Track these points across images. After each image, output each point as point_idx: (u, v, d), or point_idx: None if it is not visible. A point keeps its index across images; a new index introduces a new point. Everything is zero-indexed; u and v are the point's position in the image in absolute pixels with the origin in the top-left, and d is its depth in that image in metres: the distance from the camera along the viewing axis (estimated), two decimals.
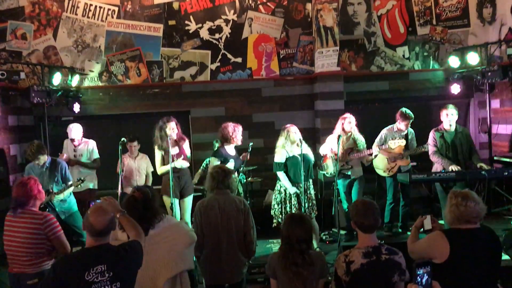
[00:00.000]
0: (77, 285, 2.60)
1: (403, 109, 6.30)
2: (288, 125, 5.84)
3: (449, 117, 5.93)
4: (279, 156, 5.77)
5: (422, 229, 3.44)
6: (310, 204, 5.76)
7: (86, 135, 7.66)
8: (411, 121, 6.28)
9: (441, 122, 6.08)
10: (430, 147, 6.05)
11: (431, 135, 6.09)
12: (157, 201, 3.54)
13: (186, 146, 6.13)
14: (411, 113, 6.26)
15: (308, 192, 5.75)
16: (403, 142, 6.13)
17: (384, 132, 6.50)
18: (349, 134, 6.22)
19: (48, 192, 5.31)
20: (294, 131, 5.74)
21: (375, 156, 6.37)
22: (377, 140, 6.52)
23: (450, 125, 5.96)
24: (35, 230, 3.66)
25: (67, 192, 5.46)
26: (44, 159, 5.41)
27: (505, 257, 4.71)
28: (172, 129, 5.87)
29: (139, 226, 3.03)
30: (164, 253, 3.19)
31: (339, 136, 5.87)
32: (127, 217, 3.04)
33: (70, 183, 5.46)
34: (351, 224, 3.14)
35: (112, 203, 3.03)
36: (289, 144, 5.73)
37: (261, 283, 4.95)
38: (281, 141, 5.80)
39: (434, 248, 3.08)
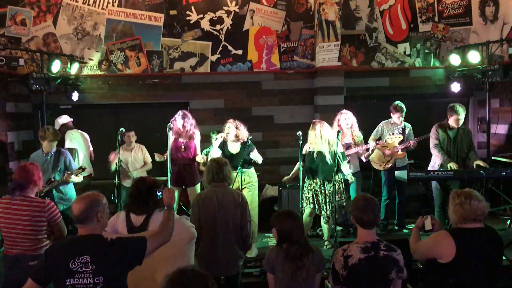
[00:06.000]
0: (63, 272, 2.60)
1: (396, 102, 6.45)
2: (317, 121, 5.88)
3: (458, 122, 5.97)
4: (303, 149, 5.83)
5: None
6: (325, 201, 5.76)
7: (85, 124, 7.65)
8: (403, 113, 6.39)
9: (445, 118, 6.11)
10: (432, 139, 6.14)
11: (434, 129, 6.15)
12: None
13: (196, 140, 6.27)
14: (402, 105, 6.38)
15: (323, 189, 5.75)
16: (400, 138, 6.20)
17: (381, 125, 6.60)
18: (348, 129, 6.28)
19: (49, 181, 5.31)
20: (318, 130, 5.74)
21: (372, 151, 6.38)
22: (373, 133, 6.61)
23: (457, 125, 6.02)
24: (37, 218, 3.75)
25: (74, 178, 5.44)
26: (53, 147, 5.46)
27: None
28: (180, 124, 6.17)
29: (169, 229, 2.99)
30: (163, 249, 3.12)
31: (338, 132, 5.87)
32: (169, 213, 3.06)
33: (72, 171, 5.46)
34: (351, 219, 3.15)
35: (168, 195, 3.13)
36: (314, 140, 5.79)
37: (257, 276, 4.94)
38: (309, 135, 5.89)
39: (440, 248, 3.08)
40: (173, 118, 6.20)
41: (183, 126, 6.14)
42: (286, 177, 6.16)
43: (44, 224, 3.79)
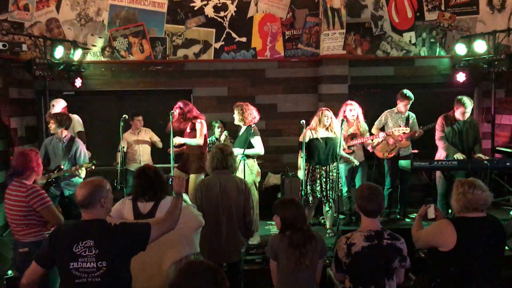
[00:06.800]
0: (66, 256, 2.62)
1: (403, 90, 6.37)
2: (323, 108, 5.89)
3: (465, 115, 5.92)
4: (302, 136, 5.77)
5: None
6: (330, 187, 5.78)
7: (87, 110, 7.63)
8: (410, 102, 6.32)
9: (451, 109, 6.06)
10: (438, 132, 6.09)
11: (440, 121, 6.09)
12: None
13: (197, 127, 6.03)
14: (410, 93, 6.31)
15: (330, 174, 5.79)
16: (407, 130, 6.14)
17: (384, 114, 6.55)
18: (353, 120, 6.25)
19: (59, 168, 5.29)
20: (326, 115, 5.77)
21: (378, 143, 6.36)
22: (376, 122, 6.58)
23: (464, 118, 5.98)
24: (20, 203, 3.71)
25: (81, 171, 5.32)
26: (65, 133, 5.44)
27: None
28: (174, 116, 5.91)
29: (175, 216, 3.00)
30: (170, 236, 3.13)
31: (342, 121, 5.85)
32: (177, 201, 3.08)
33: (80, 164, 5.35)
34: (355, 207, 3.14)
35: (178, 183, 3.22)
36: (321, 126, 5.78)
37: (259, 263, 4.97)
38: (313, 121, 5.88)
39: (441, 236, 3.08)
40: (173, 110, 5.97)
41: (184, 112, 5.95)
42: (299, 172, 5.99)
43: (28, 210, 3.70)
